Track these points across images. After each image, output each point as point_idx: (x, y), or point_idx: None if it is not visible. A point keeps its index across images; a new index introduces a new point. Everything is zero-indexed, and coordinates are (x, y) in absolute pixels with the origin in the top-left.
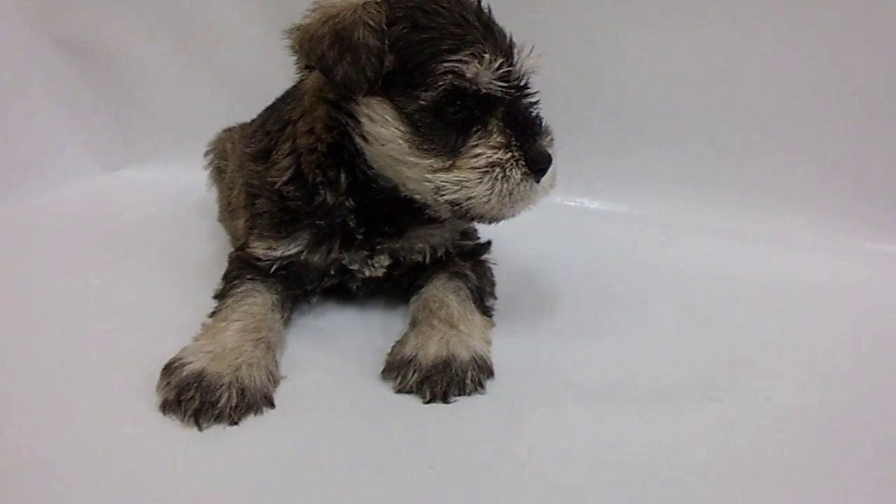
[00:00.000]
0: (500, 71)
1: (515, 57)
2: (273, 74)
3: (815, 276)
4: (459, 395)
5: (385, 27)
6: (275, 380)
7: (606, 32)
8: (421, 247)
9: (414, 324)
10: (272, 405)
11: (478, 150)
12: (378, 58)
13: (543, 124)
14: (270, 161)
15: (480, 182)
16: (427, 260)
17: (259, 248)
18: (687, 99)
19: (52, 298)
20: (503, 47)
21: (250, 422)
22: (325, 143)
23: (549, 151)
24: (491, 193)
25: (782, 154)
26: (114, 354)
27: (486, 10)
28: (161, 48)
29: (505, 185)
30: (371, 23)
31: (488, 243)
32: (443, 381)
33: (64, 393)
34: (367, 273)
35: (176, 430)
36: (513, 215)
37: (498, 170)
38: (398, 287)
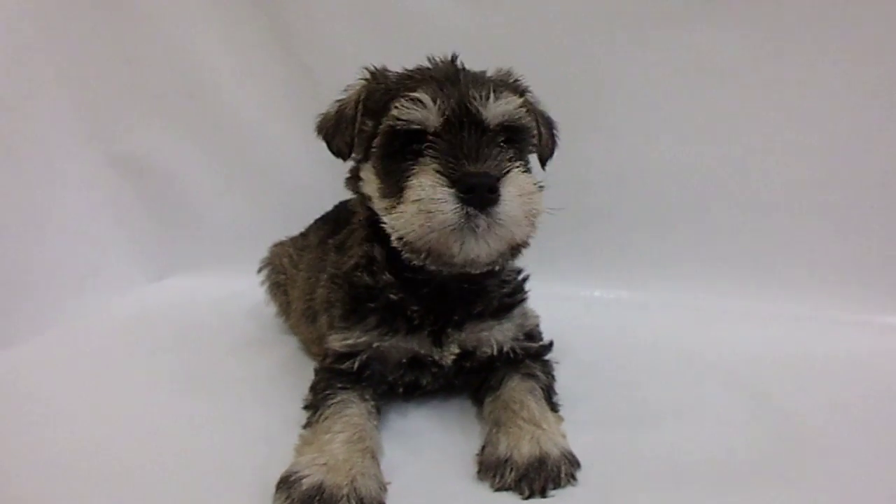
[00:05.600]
0: (437, 108)
1: (478, 100)
2: (315, 185)
3: (854, 352)
4: (555, 488)
5: (362, 98)
6: (384, 487)
7: (632, 126)
8: (486, 336)
9: (497, 424)
10: None
11: (411, 182)
12: (351, 124)
13: (493, 153)
14: (346, 248)
15: (411, 212)
16: (494, 353)
17: (335, 342)
18: (706, 188)
19: (134, 413)
20: (454, 90)
21: None
22: (363, 217)
23: (484, 170)
24: (420, 219)
25: (804, 233)
26: (216, 469)
27: (464, 67)
28: (206, 163)
29: (432, 208)
30: (355, 97)
31: (551, 343)
32: (540, 477)
33: None
34: (437, 357)
35: None
36: (473, 253)
37: (423, 195)
38: (468, 386)
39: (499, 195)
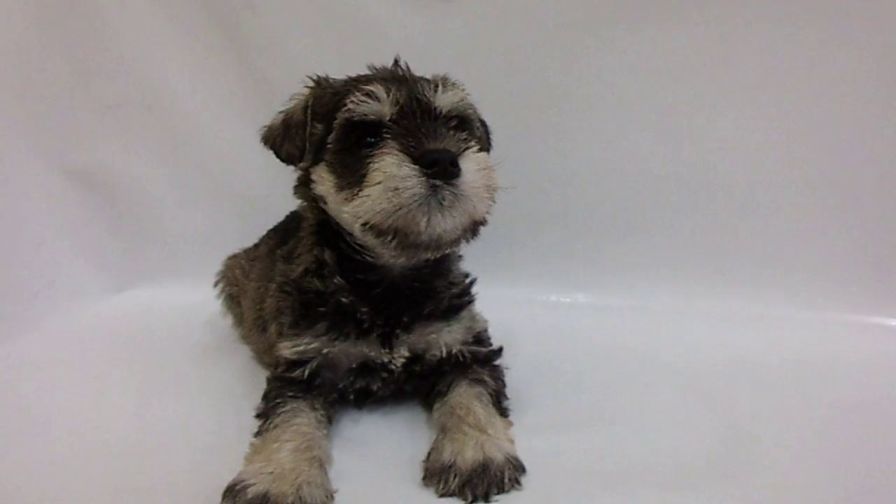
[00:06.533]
0: (391, 98)
1: (427, 92)
2: (272, 196)
3: (807, 352)
4: (498, 493)
5: (310, 103)
6: (330, 495)
7: (587, 130)
8: (435, 339)
9: (444, 430)
10: None
11: (373, 167)
12: (302, 128)
13: (446, 133)
14: (294, 256)
15: (377, 192)
16: (443, 355)
17: (285, 350)
18: (668, 190)
19: (88, 422)
20: (403, 85)
21: None
22: (313, 223)
23: (444, 147)
24: (387, 197)
25: (765, 236)
26: (163, 477)
27: (408, 68)
28: (162, 174)
29: (399, 185)
30: (303, 103)
31: (500, 349)
32: (483, 482)
33: None
34: (386, 360)
35: None
36: (440, 227)
37: (387, 174)
38: (418, 392)
39: (460, 169)
